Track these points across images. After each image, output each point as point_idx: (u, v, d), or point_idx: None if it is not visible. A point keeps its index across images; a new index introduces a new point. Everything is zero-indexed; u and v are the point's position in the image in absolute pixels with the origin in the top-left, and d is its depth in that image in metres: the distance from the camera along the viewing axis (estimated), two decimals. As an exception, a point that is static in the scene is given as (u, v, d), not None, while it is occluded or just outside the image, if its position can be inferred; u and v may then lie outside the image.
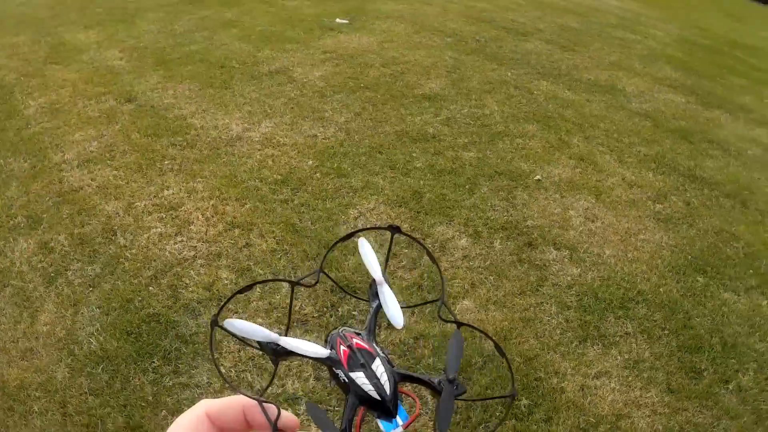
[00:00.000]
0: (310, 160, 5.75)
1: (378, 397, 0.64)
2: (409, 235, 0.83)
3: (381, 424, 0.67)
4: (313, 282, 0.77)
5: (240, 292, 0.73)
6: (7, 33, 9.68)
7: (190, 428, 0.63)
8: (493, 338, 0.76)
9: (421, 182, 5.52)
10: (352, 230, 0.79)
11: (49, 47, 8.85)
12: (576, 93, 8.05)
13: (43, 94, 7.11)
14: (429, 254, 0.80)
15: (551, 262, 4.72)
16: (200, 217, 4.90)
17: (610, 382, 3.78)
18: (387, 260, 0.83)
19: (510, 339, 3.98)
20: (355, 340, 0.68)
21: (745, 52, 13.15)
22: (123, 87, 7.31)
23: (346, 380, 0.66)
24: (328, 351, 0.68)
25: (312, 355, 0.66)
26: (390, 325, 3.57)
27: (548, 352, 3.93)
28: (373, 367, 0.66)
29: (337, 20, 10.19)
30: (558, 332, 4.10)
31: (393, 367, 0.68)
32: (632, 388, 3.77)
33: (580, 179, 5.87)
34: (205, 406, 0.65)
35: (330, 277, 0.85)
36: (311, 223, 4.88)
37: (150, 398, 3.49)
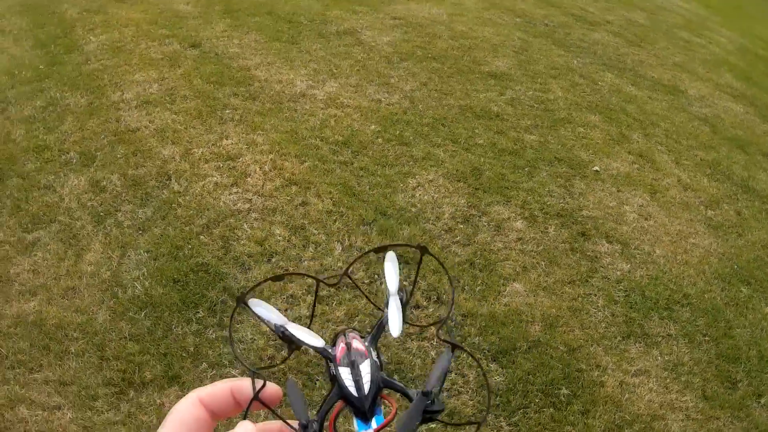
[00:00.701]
0: (372, 125, 5.77)
1: (356, 395, 0.68)
2: (435, 257, 0.86)
3: (356, 423, 0.69)
4: (335, 282, 0.81)
5: (273, 279, 0.78)
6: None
7: (186, 414, 0.67)
8: (482, 367, 0.80)
9: (482, 159, 5.53)
10: (382, 244, 0.83)
11: (115, -15, 8.88)
12: (639, 89, 8.01)
13: (105, 32, 7.14)
14: (449, 278, 0.84)
15: (603, 254, 4.74)
16: (258, 170, 4.93)
17: (648, 381, 3.81)
18: (416, 279, 0.87)
19: (556, 326, 4.01)
20: (355, 341, 0.72)
21: (804, 71, 13.01)
22: (188, 32, 7.32)
23: (334, 373, 0.69)
24: (323, 343, 0.72)
25: (308, 343, 0.71)
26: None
27: (592, 345, 3.96)
28: (361, 367, 0.69)
29: (408, -13, 10.18)
30: (603, 326, 4.13)
31: (381, 372, 0.71)
32: (669, 390, 3.79)
33: (637, 175, 5.87)
34: (196, 393, 0.69)
35: (353, 281, 0.88)
36: (369, 188, 4.91)
37: (191, 349, 3.52)
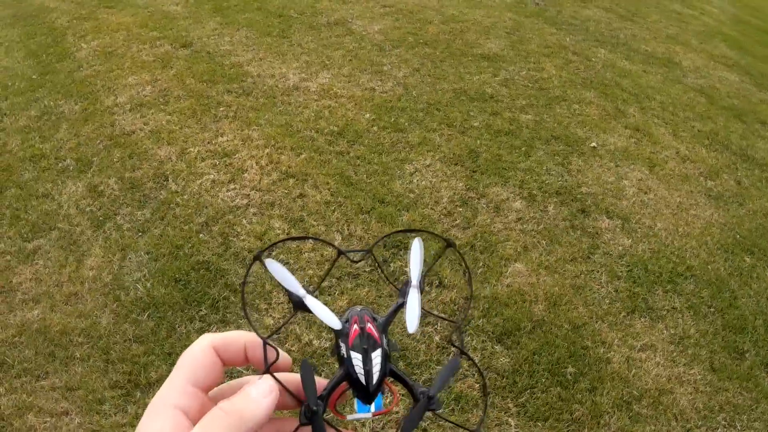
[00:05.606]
0: (367, 114, 5.76)
1: (364, 383, 0.68)
2: (461, 254, 0.84)
3: (357, 403, 0.69)
4: (359, 259, 0.80)
5: (293, 239, 0.78)
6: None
7: (198, 358, 0.68)
8: (483, 375, 0.80)
9: (478, 141, 5.53)
10: (415, 228, 0.81)
11: (103, -10, 8.85)
12: (633, 63, 7.99)
13: (96, 38, 7.13)
14: (469, 282, 0.83)
15: (603, 230, 4.73)
16: (254, 165, 4.92)
17: (655, 356, 3.80)
18: (428, 270, 0.86)
19: (560, 305, 4.00)
20: (369, 324, 0.71)
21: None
22: (179, 32, 7.32)
23: (345, 356, 0.69)
24: (341, 324, 0.71)
25: (326, 322, 0.70)
26: (440, 286, 3.56)
27: (596, 321, 3.95)
28: (373, 355, 0.69)
29: (397, -26, 10.15)
30: (607, 302, 4.12)
31: (389, 361, 0.71)
32: (676, 363, 3.79)
33: (635, 150, 5.86)
34: (210, 338, 0.70)
35: (377, 261, 0.88)
36: (366, 177, 4.90)
37: (195, 348, 3.48)
